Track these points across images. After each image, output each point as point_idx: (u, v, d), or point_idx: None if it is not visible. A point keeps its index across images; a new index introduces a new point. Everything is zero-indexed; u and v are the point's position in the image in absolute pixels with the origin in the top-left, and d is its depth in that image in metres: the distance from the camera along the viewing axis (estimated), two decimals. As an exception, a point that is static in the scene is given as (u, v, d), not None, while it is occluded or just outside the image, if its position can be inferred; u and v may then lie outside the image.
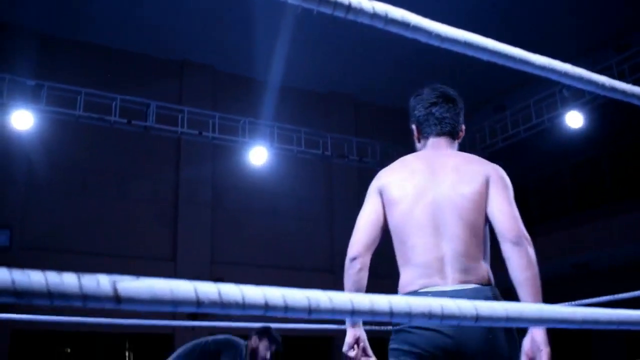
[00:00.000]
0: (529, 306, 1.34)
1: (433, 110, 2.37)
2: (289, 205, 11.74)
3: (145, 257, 10.45)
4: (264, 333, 4.67)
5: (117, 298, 0.90)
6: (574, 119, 9.50)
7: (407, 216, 2.18)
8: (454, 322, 1.25)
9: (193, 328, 10.31)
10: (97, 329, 9.48)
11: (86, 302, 0.88)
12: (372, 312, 1.15)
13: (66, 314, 8.56)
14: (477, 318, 1.26)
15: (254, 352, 4.58)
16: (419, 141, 2.43)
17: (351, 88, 12.74)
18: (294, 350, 10.87)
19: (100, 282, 0.90)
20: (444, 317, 1.24)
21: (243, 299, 0.99)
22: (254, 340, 4.64)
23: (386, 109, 13.15)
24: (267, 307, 1.01)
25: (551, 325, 1.38)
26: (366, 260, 2.22)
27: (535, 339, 2.00)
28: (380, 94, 12.86)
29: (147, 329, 10.05)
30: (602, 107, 9.60)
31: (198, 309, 0.96)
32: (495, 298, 2.08)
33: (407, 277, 2.17)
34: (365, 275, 2.22)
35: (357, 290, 2.19)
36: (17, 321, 8.88)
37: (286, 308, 1.03)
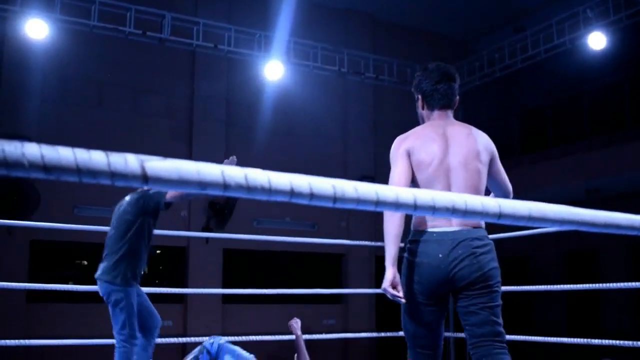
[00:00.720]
0: (551, 206, 1.33)
1: (438, 87, 2.89)
2: (304, 122, 11.69)
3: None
4: None
5: (144, 177, 0.90)
6: (597, 41, 9.26)
7: (430, 175, 2.76)
8: (477, 218, 1.25)
9: (207, 240, 10.51)
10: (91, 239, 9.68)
11: (114, 179, 0.88)
12: (397, 204, 1.15)
13: (82, 221, 8.71)
14: (500, 215, 1.25)
15: None
16: (423, 109, 2.97)
17: (370, 6, 12.45)
18: (305, 265, 11.10)
19: (128, 160, 0.90)
20: (467, 212, 1.24)
21: (269, 183, 0.98)
22: None
23: (404, 28, 12.89)
24: (292, 193, 1.00)
25: (573, 227, 1.38)
26: None
27: None
28: (399, 13, 12.57)
29: (162, 241, 10.25)
30: (627, 29, 9.35)
31: (224, 191, 0.96)
32: (486, 238, 2.73)
33: (420, 219, 2.76)
34: (402, 220, 2.74)
35: (396, 237, 2.73)
36: (36, 231, 9.07)
37: (312, 195, 1.02)
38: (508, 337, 2.77)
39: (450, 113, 2.95)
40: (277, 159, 11.23)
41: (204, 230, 10.35)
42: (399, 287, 2.71)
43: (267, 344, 6.16)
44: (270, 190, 0.99)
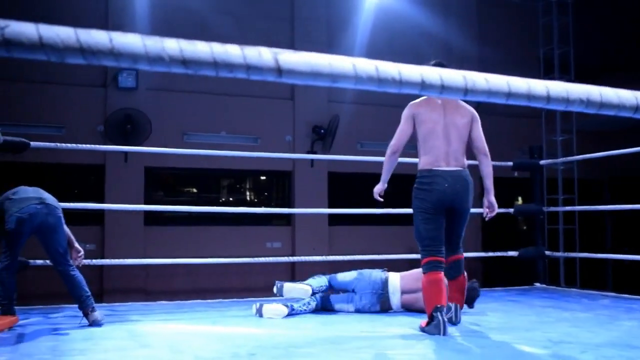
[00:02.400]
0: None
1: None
2: (404, 42, 11.42)
3: (266, 97, 10.68)
4: None
5: (278, 70, 0.91)
6: None
7: (430, 130, 4.26)
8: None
9: (312, 164, 10.67)
10: (222, 165, 9.99)
11: (249, 72, 0.90)
12: (529, 97, 1.11)
13: (191, 148, 9.01)
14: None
15: None
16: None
17: None
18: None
19: (262, 54, 0.90)
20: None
21: (400, 75, 0.97)
22: None
23: None
24: (423, 84, 0.99)
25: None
26: (400, 152, 4.40)
27: (491, 200, 4.52)
28: None
29: (269, 165, 10.51)
30: None
31: (356, 84, 0.95)
32: (469, 177, 4.30)
33: (426, 160, 4.27)
34: (397, 158, 4.44)
35: (391, 168, 4.49)
36: (149, 158, 9.51)
37: (442, 87, 1.00)
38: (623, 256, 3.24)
39: None
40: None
41: (309, 153, 10.49)
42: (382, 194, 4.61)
43: (370, 263, 6.26)
44: (400, 82, 0.98)
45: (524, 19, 12.11)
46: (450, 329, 4.16)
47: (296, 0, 11.06)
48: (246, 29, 10.69)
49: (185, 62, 0.88)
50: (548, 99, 1.10)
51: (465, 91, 1.02)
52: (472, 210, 4.18)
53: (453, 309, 4.40)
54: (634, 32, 12.51)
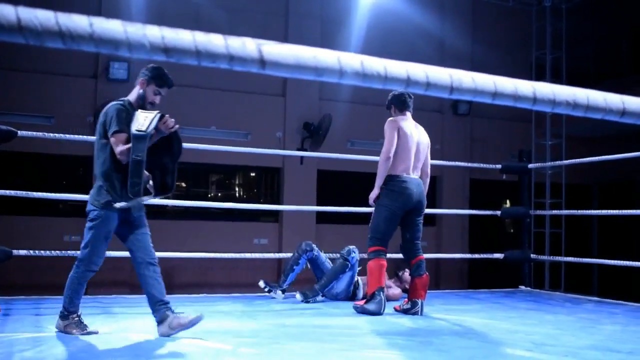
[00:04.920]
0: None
1: (407, 101, 5.23)
2: (398, 41, 11.42)
3: (258, 92, 10.65)
4: (153, 72, 3.95)
5: (261, 61, 0.89)
6: None
7: (406, 143, 5.00)
8: (599, 115, 1.19)
9: (301, 161, 10.66)
10: (211, 160, 9.96)
11: (232, 63, 0.88)
12: (515, 97, 1.10)
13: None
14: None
15: (142, 98, 3.88)
16: (395, 113, 5.20)
17: None
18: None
19: (246, 44, 0.89)
20: (588, 107, 1.18)
21: (385, 71, 0.96)
22: (140, 84, 3.89)
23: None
24: (408, 81, 0.98)
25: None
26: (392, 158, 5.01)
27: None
28: None
29: (258, 161, 10.48)
30: None
31: (340, 78, 0.94)
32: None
33: (400, 167, 5.00)
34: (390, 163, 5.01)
35: (386, 173, 4.98)
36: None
37: (428, 84, 0.99)
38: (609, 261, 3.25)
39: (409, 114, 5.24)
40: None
41: (299, 150, 10.48)
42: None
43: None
44: (385, 78, 0.97)
45: (518, 23, 12.14)
46: (438, 327, 4.17)
47: (291, -3, 11.05)
48: (239, 22, 10.65)
49: (167, 50, 0.86)
50: (534, 100, 1.10)
51: (451, 89, 1.01)
52: (459, 211, 4.48)
53: (419, 304, 4.96)
54: (626, 39, 12.59)
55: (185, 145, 4.06)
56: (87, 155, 9.49)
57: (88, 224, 3.76)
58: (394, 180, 4.94)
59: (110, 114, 3.73)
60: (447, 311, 5.26)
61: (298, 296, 5.68)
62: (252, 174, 11.39)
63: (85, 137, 6.68)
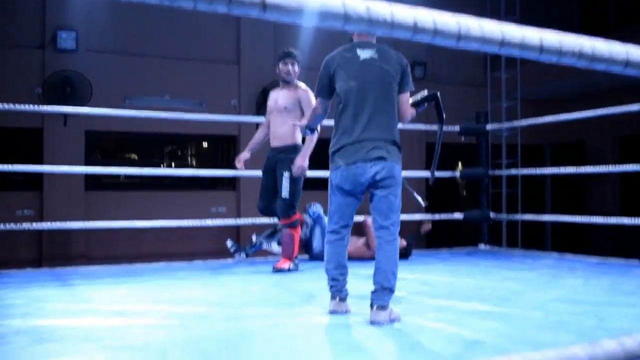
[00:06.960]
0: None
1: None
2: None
3: (212, 61, 10.43)
4: None
5: (262, 5, 0.83)
6: None
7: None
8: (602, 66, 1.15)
9: (257, 127, 10.50)
10: (165, 129, 9.74)
11: (231, 6, 0.81)
12: (522, 46, 1.06)
13: (134, 107, 8.69)
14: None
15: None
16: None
17: None
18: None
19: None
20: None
21: (392, 17, 0.90)
22: None
23: None
24: (415, 28, 0.92)
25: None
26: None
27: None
28: None
29: (213, 129, 10.29)
30: None
31: (345, 24, 0.88)
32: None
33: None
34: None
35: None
36: (89, 122, 9.18)
37: (435, 32, 0.94)
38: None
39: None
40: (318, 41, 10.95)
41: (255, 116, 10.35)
42: None
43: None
44: (392, 25, 0.91)
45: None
46: (404, 287, 4.18)
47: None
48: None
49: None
50: (541, 49, 1.05)
51: (459, 37, 0.96)
52: (419, 172, 4.16)
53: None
54: None
55: (138, 113, 3.93)
56: (37, 128, 9.20)
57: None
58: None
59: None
60: (411, 271, 5.29)
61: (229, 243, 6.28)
62: (206, 145, 11.23)
63: (33, 106, 6.44)
